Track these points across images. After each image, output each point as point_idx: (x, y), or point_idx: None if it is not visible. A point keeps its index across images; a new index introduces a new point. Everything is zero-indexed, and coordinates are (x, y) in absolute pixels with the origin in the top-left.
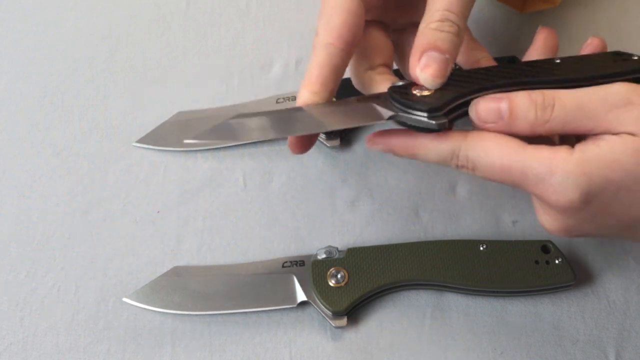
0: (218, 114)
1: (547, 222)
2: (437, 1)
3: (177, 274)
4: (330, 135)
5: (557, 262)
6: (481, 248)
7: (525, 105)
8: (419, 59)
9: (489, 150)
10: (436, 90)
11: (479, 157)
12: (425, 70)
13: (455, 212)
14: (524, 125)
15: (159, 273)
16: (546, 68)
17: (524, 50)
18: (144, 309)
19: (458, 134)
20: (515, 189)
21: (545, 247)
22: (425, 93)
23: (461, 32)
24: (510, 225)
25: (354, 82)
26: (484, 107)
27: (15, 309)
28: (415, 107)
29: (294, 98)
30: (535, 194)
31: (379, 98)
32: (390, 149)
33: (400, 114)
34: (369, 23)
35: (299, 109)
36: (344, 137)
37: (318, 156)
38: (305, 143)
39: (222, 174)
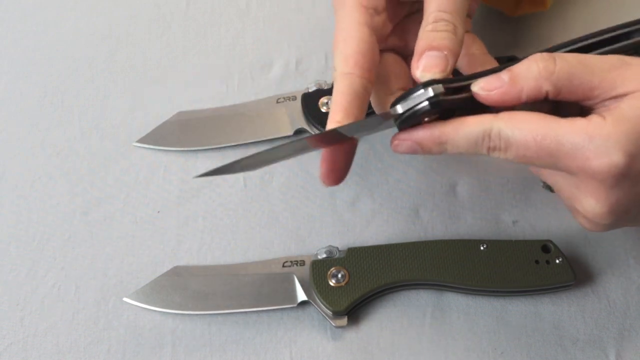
0: (218, 114)
1: (590, 207)
2: (430, 5)
3: (178, 273)
4: None
5: (557, 261)
6: (481, 248)
7: (525, 63)
8: (419, 60)
9: (523, 124)
10: None
11: (512, 132)
12: (425, 69)
13: (455, 212)
14: (528, 81)
15: (159, 273)
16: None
17: (514, 54)
18: (144, 308)
19: (487, 114)
20: (514, 190)
21: (545, 247)
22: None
23: (458, 29)
24: (510, 225)
25: (377, 109)
26: (486, 79)
27: (15, 309)
28: (413, 92)
29: (294, 98)
30: (573, 168)
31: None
32: (418, 143)
33: (399, 105)
34: (383, 52)
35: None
36: None
37: (317, 156)
38: (339, 173)
39: None
